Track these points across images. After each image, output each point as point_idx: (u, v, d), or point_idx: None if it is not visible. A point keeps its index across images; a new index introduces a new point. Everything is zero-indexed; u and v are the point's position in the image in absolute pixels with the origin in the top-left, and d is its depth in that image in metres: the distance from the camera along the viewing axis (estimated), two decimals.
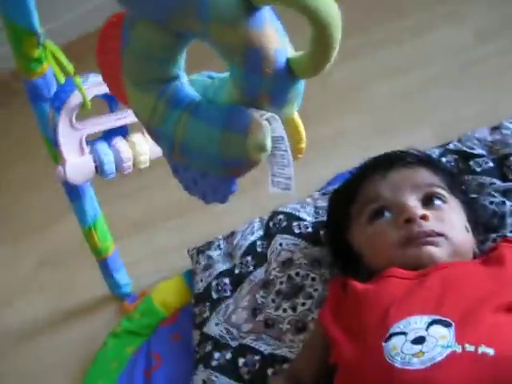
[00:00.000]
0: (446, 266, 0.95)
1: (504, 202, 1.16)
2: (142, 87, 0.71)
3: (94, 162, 1.12)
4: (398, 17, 2.02)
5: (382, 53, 1.97)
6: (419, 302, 0.88)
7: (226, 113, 0.68)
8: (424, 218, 0.99)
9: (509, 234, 1.11)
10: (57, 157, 1.14)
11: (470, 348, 0.78)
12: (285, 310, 1.15)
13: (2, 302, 1.61)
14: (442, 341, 0.80)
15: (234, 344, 1.15)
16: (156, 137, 0.74)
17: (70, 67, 1.05)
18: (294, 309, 1.14)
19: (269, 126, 0.66)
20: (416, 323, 0.84)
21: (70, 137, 1.08)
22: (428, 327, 0.83)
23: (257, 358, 1.11)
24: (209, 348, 1.16)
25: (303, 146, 0.75)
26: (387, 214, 1.03)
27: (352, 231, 1.09)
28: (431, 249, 0.97)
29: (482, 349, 0.78)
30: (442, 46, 1.89)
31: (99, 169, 1.12)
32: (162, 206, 1.69)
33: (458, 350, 0.79)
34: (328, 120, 1.79)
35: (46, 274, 1.64)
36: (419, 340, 0.82)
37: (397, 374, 0.79)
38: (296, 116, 0.72)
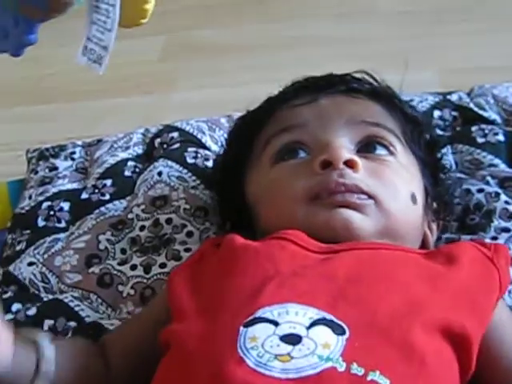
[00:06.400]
0: (370, 246, 0.72)
1: (498, 195, 0.88)
2: None
3: None
4: None
5: None
6: (311, 288, 0.68)
7: None
8: (352, 165, 0.75)
9: (488, 240, 0.81)
10: None
11: (357, 370, 0.60)
12: (134, 267, 0.88)
13: None
14: (322, 350, 0.62)
15: (46, 297, 0.89)
16: None
17: None
18: (147, 268, 0.88)
19: None
20: (296, 315, 0.65)
21: None
22: (311, 326, 0.64)
23: (72, 324, 0.84)
24: (9, 294, 0.90)
25: (148, 7, 0.64)
26: (302, 155, 0.79)
27: (249, 174, 0.84)
28: (351, 214, 0.73)
29: (375, 377, 0.60)
30: None
31: None
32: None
33: (341, 368, 0.61)
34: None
35: None
36: (292, 339, 0.63)
37: (243, 376, 0.59)
38: None
